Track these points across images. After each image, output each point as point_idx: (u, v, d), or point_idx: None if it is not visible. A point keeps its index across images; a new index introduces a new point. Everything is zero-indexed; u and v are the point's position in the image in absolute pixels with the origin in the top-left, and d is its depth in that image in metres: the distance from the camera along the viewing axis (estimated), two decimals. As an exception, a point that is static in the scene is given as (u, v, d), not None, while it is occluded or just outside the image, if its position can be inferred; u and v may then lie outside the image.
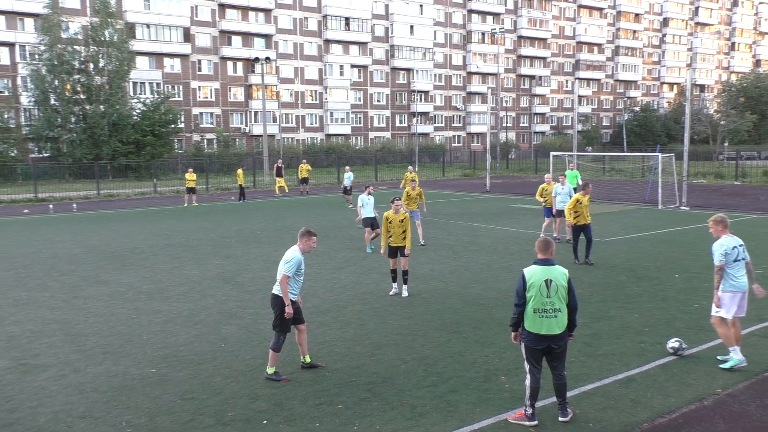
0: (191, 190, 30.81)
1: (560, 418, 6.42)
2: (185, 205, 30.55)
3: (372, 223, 17.19)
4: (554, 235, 17.76)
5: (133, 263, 15.74)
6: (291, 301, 7.71)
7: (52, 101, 52.21)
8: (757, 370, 7.71)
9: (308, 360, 8.14)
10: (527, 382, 6.45)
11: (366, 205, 17.41)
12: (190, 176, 30.88)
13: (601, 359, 8.19)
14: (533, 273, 6.38)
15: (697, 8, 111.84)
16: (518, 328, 6.46)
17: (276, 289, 7.79)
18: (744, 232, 18.60)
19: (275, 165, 38.43)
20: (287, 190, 36.20)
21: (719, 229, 7.98)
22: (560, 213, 16.73)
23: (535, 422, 6.37)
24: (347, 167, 30.57)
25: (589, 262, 14.43)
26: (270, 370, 7.77)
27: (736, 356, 7.77)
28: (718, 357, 8.06)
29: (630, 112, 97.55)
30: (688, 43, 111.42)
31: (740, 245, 7.90)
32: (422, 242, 17.43)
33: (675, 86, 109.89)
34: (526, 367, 6.48)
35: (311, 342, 9.11)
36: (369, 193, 17.84)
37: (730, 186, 36.80)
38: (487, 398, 7.05)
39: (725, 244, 7.83)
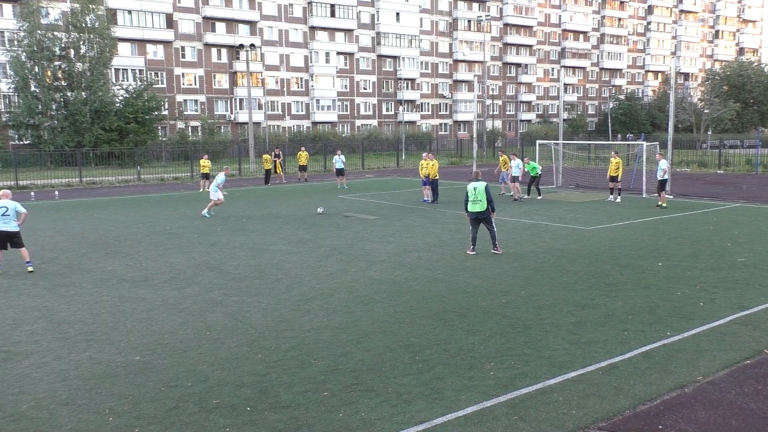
0: (206, 176, 31.92)
1: (492, 250, 14.21)
2: (200, 190, 31.60)
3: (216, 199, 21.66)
4: (514, 196, 25.44)
5: (117, 251, 15.61)
6: None
7: (33, 88, 51.53)
8: (737, 357, 7.79)
9: None
10: (471, 234, 14.32)
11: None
12: (205, 162, 32.41)
13: (585, 347, 8.25)
14: (470, 185, 14.26)
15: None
16: (466, 210, 14.32)
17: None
18: (726, 220, 18.79)
19: (273, 152, 38.68)
20: (283, 177, 37.76)
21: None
22: (514, 179, 25.38)
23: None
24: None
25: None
26: None
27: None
28: None
29: (615, 100, 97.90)
30: (673, 30, 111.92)
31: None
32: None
33: (659, 74, 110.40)
34: (470, 228, 14.40)
35: (297, 330, 9.10)
36: (225, 174, 22.53)
37: (713, 174, 37.09)
38: (473, 385, 7.08)
39: None
